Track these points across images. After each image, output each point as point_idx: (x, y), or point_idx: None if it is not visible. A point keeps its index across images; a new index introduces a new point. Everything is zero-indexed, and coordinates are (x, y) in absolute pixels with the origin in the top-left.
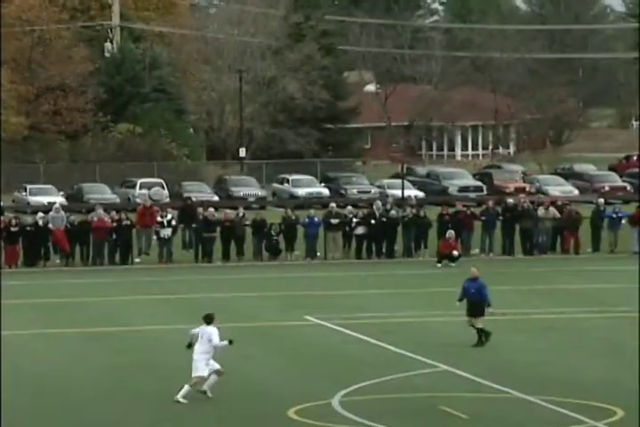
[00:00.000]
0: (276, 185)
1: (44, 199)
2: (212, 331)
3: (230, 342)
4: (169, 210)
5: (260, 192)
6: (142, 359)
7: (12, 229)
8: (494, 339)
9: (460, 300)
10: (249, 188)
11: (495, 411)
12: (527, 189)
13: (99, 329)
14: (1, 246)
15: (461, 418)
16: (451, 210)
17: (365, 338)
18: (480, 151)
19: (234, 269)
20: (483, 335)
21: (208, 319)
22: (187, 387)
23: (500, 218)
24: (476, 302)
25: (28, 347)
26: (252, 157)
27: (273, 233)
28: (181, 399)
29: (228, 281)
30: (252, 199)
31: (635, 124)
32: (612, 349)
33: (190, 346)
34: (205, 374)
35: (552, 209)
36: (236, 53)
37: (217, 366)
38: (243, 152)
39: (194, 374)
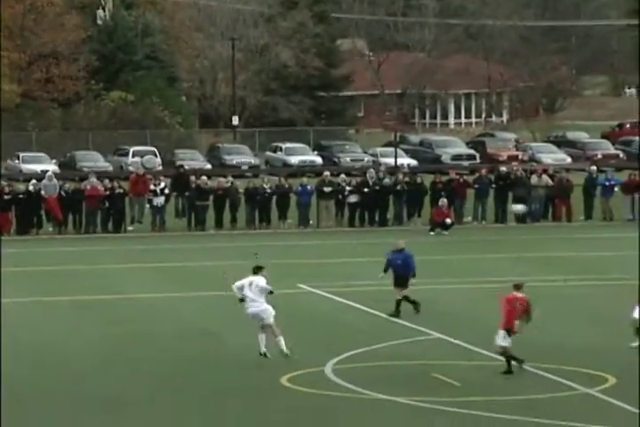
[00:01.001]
0: (269, 153)
1: (37, 167)
2: (259, 279)
3: (271, 292)
4: (162, 178)
5: (254, 160)
6: (138, 329)
7: (5, 196)
8: (487, 307)
9: (385, 271)
10: (242, 156)
11: (486, 378)
12: (520, 157)
13: (92, 297)
14: None
15: (453, 385)
16: (444, 178)
17: (358, 306)
18: (473, 119)
19: (227, 237)
20: (414, 305)
21: (256, 269)
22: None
23: (493, 186)
24: (401, 273)
25: (23, 316)
26: (245, 126)
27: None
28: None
29: (220, 249)
30: (245, 167)
31: (627, 91)
32: (603, 316)
33: (242, 300)
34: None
35: (545, 177)
36: (229, 21)
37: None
38: (235, 120)
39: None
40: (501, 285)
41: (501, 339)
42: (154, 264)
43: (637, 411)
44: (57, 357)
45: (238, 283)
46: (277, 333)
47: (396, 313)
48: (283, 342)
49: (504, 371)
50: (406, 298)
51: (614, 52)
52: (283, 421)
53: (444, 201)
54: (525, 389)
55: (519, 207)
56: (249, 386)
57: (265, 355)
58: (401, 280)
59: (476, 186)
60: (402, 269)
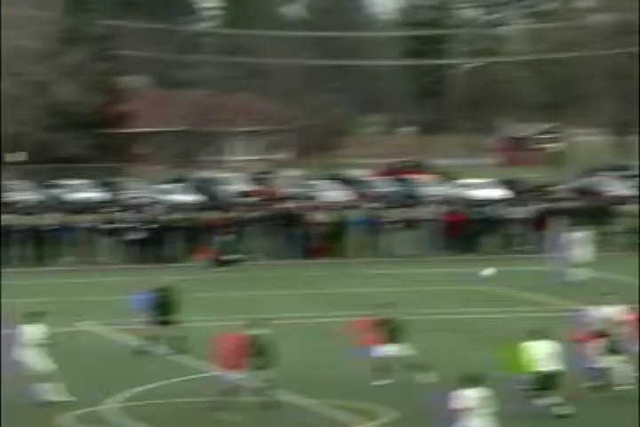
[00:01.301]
0: (51, 190)
1: None
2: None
3: None
4: None
5: (35, 197)
6: None
7: None
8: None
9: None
10: (23, 192)
11: (270, 417)
12: (300, 195)
13: None
14: None
15: (232, 422)
16: (227, 215)
17: (134, 344)
18: (256, 156)
19: (6, 274)
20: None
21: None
22: None
23: (274, 223)
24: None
25: None
26: (28, 162)
27: None
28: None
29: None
30: (25, 205)
31: (402, 130)
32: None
33: None
34: None
35: (323, 214)
36: (10, 56)
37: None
38: (18, 156)
39: None
40: (284, 321)
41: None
42: None
43: None
44: None
45: None
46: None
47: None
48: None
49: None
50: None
51: (391, 92)
52: None
53: (225, 238)
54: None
55: (134, 234)
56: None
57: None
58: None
59: (256, 224)
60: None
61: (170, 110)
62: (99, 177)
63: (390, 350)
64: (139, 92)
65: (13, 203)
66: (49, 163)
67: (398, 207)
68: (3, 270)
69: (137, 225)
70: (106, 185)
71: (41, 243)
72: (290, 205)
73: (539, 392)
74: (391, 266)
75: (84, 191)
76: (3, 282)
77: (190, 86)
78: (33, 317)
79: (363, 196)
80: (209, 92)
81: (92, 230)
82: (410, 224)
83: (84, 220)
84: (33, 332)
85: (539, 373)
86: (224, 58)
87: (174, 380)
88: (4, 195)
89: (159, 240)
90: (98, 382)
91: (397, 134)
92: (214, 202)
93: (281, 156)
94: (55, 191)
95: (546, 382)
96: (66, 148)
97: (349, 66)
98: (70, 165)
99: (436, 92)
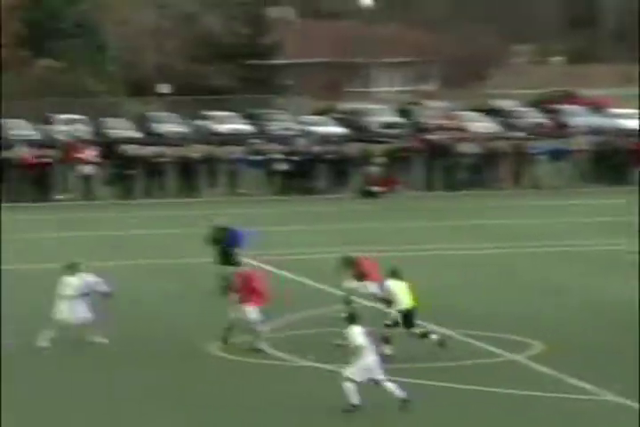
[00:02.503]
0: (198, 122)
1: None
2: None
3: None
4: (90, 147)
5: (183, 129)
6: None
7: None
8: (418, 274)
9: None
10: (171, 124)
11: (413, 346)
12: (449, 126)
13: (25, 266)
14: None
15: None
16: (373, 146)
17: (286, 274)
18: (403, 88)
19: (155, 205)
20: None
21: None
22: None
23: (422, 154)
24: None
25: None
26: (174, 93)
27: None
28: None
29: (150, 218)
30: (174, 136)
31: (552, 60)
32: (531, 284)
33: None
34: None
35: (473, 145)
36: None
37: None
38: (164, 88)
39: None
40: (430, 253)
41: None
42: (82, 233)
43: (561, 376)
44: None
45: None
46: None
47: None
48: None
49: None
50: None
51: (542, 21)
52: (214, 388)
53: (373, 169)
54: (451, 356)
55: (281, 166)
56: (180, 355)
57: None
58: (228, 257)
59: (405, 154)
60: (229, 247)
61: (317, 41)
62: (245, 109)
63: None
64: (285, 22)
65: (162, 135)
66: (195, 94)
67: (545, 138)
68: (153, 201)
69: (282, 157)
70: (251, 117)
71: (189, 174)
72: (437, 136)
73: None
74: (538, 197)
75: (231, 123)
76: (156, 212)
77: (337, 17)
78: (71, 268)
79: (511, 126)
80: (356, 23)
81: (238, 162)
82: (557, 155)
83: (230, 151)
84: (70, 283)
85: None
86: None
87: (322, 309)
88: (153, 126)
89: (304, 172)
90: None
91: (548, 64)
92: (360, 134)
93: (428, 87)
94: (202, 123)
95: None
96: (212, 79)
97: None
98: (216, 97)
99: (588, 20)
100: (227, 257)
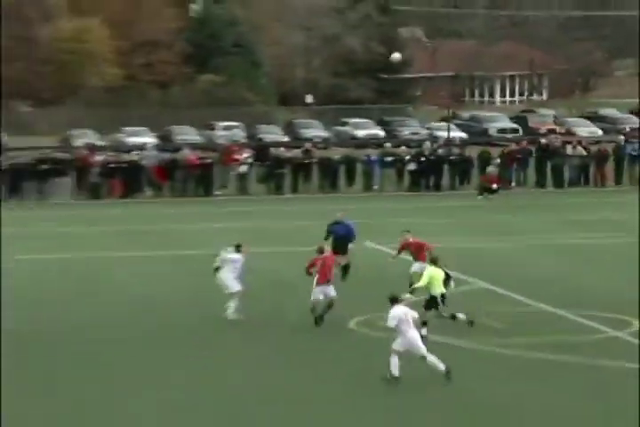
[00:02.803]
0: (338, 127)
1: (139, 140)
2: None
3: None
4: (246, 149)
5: (324, 134)
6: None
7: (111, 165)
8: (526, 259)
9: (326, 239)
10: (315, 130)
11: (527, 322)
12: (558, 131)
13: (185, 252)
14: (103, 180)
15: (497, 328)
16: (491, 149)
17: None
18: (517, 98)
19: (301, 200)
20: (346, 270)
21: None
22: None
23: (534, 155)
24: (342, 241)
25: (131, 267)
26: (318, 103)
27: None
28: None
29: (295, 211)
30: (317, 140)
31: None
32: (628, 267)
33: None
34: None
35: (579, 148)
36: (304, 12)
37: None
38: (309, 99)
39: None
40: (539, 241)
41: None
42: (237, 224)
43: None
44: (150, 304)
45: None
46: None
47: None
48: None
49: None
50: (345, 266)
51: None
52: (349, 357)
53: (490, 169)
54: (558, 332)
55: (411, 166)
56: (320, 329)
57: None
58: (342, 247)
59: (519, 156)
60: (343, 238)
61: (441, 58)
62: (379, 116)
63: None
64: (415, 41)
65: (308, 139)
66: (336, 104)
67: None
68: (299, 196)
69: (411, 158)
70: (384, 123)
71: (330, 173)
72: (548, 139)
73: None
74: (627, 194)
75: (366, 129)
76: (301, 206)
77: (460, 36)
78: (237, 247)
79: (612, 131)
80: (476, 42)
81: (373, 162)
82: None
83: (366, 153)
84: (235, 259)
85: None
86: (490, 11)
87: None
88: (300, 131)
89: (430, 171)
90: (382, 292)
91: None
92: (479, 138)
93: (541, 97)
94: (341, 129)
95: None
96: (351, 91)
97: (601, 16)
98: (355, 106)
99: None
100: (339, 247)
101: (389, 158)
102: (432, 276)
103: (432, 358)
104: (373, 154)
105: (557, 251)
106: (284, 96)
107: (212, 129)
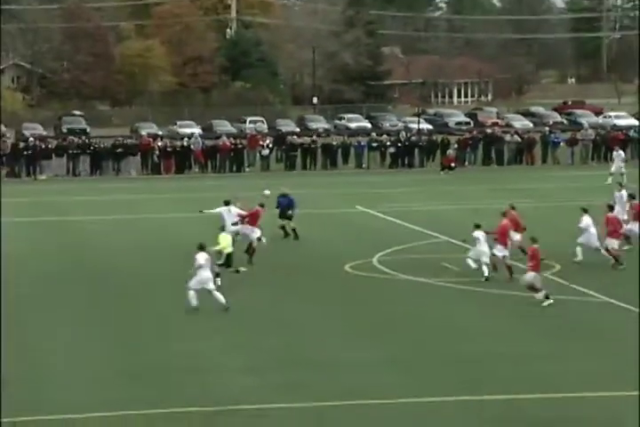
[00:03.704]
0: (336, 121)
1: (188, 130)
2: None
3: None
4: (268, 137)
5: (326, 126)
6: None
7: (168, 149)
8: (475, 218)
9: (278, 207)
10: (319, 123)
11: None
12: (500, 123)
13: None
14: (161, 160)
15: (455, 271)
16: (450, 137)
17: (394, 220)
18: (469, 99)
19: (310, 174)
20: (294, 232)
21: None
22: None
23: (482, 142)
24: (287, 210)
25: (181, 226)
26: (321, 103)
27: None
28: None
29: (305, 182)
30: (321, 130)
31: (570, 80)
32: (549, 222)
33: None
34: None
35: (515, 136)
36: (311, 35)
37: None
38: (315, 100)
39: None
40: (487, 206)
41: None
42: (261, 193)
43: (581, 289)
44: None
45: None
46: None
47: (286, 235)
48: None
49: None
50: (294, 229)
51: (563, 54)
52: (344, 294)
53: (450, 152)
54: (499, 272)
55: (391, 149)
56: (320, 271)
57: None
58: (286, 215)
59: (471, 142)
60: (287, 208)
61: (413, 69)
62: (367, 113)
63: None
64: (394, 57)
65: (314, 129)
66: (335, 104)
67: (565, 131)
68: (307, 172)
69: (391, 144)
70: (371, 118)
71: (330, 155)
72: (492, 130)
73: None
74: (551, 170)
75: (357, 122)
76: (310, 179)
77: (426, 53)
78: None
79: (541, 124)
80: (439, 57)
81: (362, 147)
82: (575, 141)
83: (357, 140)
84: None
85: None
86: (449, 33)
87: (421, 242)
88: (308, 124)
89: (406, 153)
90: (370, 243)
91: (565, 83)
92: (442, 129)
93: (487, 98)
94: (339, 122)
95: None
96: (346, 94)
97: (532, 38)
98: (348, 105)
99: (592, 54)
100: (283, 214)
101: (375, 144)
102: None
103: (217, 293)
104: (363, 140)
105: (498, 212)
106: (296, 98)
107: (243, 122)
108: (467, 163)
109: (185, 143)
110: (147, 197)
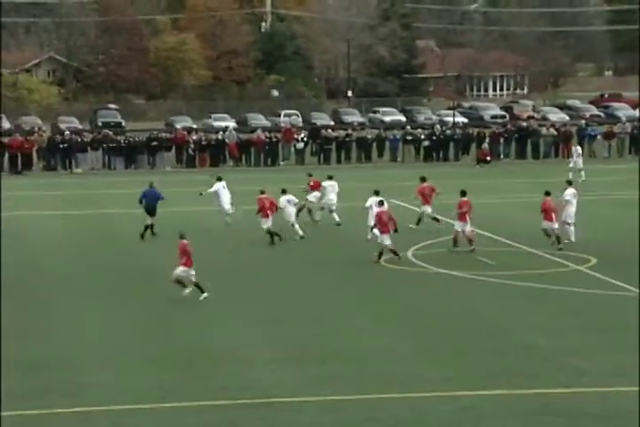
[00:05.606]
0: (371, 114)
1: (223, 124)
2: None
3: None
4: (302, 131)
5: (361, 119)
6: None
7: (203, 142)
8: (510, 211)
9: (140, 202)
10: (354, 116)
11: (509, 260)
12: (535, 117)
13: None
14: (196, 154)
15: (491, 264)
16: (485, 130)
17: (431, 213)
18: (505, 92)
19: (344, 168)
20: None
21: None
22: None
23: (517, 135)
24: (150, 203)
25: (206, 220)
26: (356, 97)
27: None
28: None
29: (341, 174)
30: (355, 124)
31: (606, 73)
32: (585, 216)
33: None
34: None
35: (551, 129)
36: (345, 29)
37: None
38: (350, 93)
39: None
40: (523, 200)
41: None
42: (296, 186)
43: (617, 282)
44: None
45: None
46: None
47: (145, 233)
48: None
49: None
50: (152, 226)
51: (600, 47)
52: (378, 287)
53: (485, 145)
54: (534, 266)
55: (425, 143)
56: (356, 264)
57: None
58: (150, 209)
59: (506, 135)
60: (152, 200)
61: (448, 62)
62: (401, 106)
63: None
64: (429, 50)
65: (348, 123)
66: (369, 97)
67: (602, 124)
68: (342, 166)
69: (426, 137)
70: (406, 111)
71: (366, 148)
72: (528, 123)
73: None
74: (587, 164)
75: (392, 115)
76: (344, 172)
77: (462, 46)
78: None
79: (577, 117)
80: (474, 50)
81: (397, 140)
82: (611, 135)
83: (392, 133)
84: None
85: None
86: (485, 27)
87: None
88: (343, 117)
89: (440, 147)
90: (404, 237)
91: (601, 76)
92: (477, 122)
93: (522, 91)
94: (373, 115)
95: None
96: (380, 87)
97: (568, 31)
98: (383, 99)
99: (629, 46)
100: (149, 208)
101: (409, 137)
102: None
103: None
104: (397, 134)
105: (533, 206)
106: (330, 91)
107: (277, 116)
108: (502, 156)
109: (220, 137)
110: (180, 191)
